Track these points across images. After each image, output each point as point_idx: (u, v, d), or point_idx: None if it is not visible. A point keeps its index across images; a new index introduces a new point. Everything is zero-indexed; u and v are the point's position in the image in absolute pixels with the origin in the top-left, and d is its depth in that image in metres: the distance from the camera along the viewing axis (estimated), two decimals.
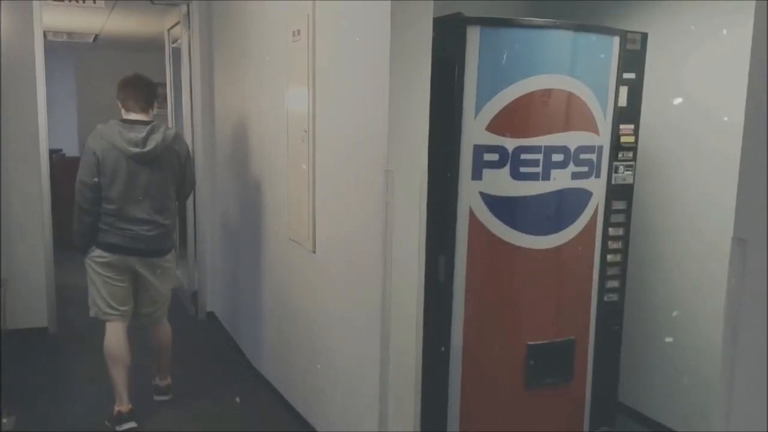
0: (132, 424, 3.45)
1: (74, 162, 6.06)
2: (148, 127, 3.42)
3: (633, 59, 3.01)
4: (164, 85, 6.03)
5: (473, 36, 2.69)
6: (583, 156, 2.89)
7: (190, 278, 5.52)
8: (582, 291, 3.08)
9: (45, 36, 5.36)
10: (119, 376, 3.46)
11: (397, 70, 2.49)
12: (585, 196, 2.95)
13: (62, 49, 8.60)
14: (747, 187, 1.19)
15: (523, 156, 2.78)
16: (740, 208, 1.21)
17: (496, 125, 2.75)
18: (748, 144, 1.19)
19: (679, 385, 3.36)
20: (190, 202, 5.02)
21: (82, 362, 4.33)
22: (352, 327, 2.94)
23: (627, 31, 3.00)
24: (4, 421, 3.40)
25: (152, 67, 5.79)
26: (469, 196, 2.80)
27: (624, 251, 3.17)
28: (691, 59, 3.26)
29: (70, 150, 8.90)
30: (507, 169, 2.78)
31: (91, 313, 3.55)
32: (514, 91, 2.74)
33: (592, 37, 2.88)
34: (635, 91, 3.05)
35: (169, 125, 5.96)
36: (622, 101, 3.02)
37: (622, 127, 3.04)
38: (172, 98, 6.12)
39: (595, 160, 2.95)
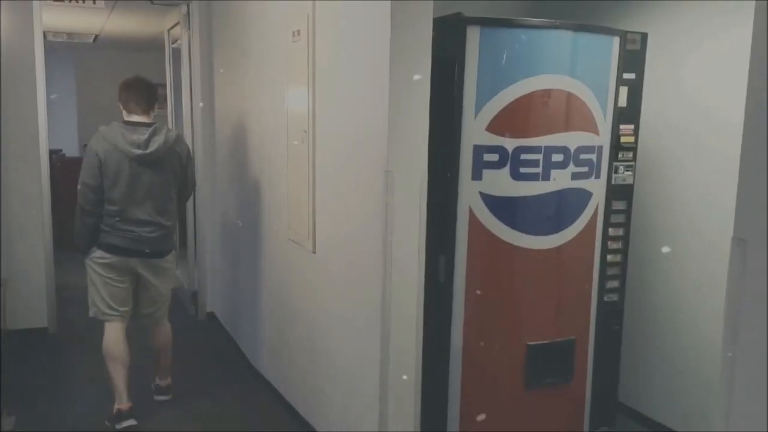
0: (132, 422, 3.45)
1: (74, 162, 6.08)
2: (150, 129, 3.44)
3: (633, 59, 3.01)
4: (164, 85, 6.02)
5: (473, 36, 2.69)
6: (583, 156, 2.89)
7: (190, 278, 5.52)
8: (582, 291, 3.08)
9: (45, 36, 5.36)
10: (118, 376, 3.46)
11: (397, 70, 2.49)
12: (585, 196, 2.95)
13: (62, 49, 8.61)
14: (747, 187, 1.19)
15: (523, 156, 2.78)
16: (740, 208, 1.21)
17: (496, 125, 2.75)
18: (748, 144, 1.19)
19: (679, 385, 3.36)
20: (190, 202, 5.02)
21: (82, 362, 4.32)
22: (352, 327, 2.94)
23: (627, 31, 3.00)
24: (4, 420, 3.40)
25: (152, 68, 5.81)
26: (469, 196, 2.80)
27: (624, 251, 3.17)
28: (691, 59, 3.26)
29: (70, 150, 8.90)
30: (507, 169, 2.78)
31: (91, 314, 3.56)
32: (514, 91, 2.74)
33: (592, 37, 2.88)
34: (635, 91, 3.05)
35: (170, 125, 5.98)
36: (622, 101, 3.02)
37: (622, 127, 3.04)
38: (172, 98, 6.11)
39: (595, 160, 2.95)
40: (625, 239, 3.16)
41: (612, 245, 3.12)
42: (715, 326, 2.34)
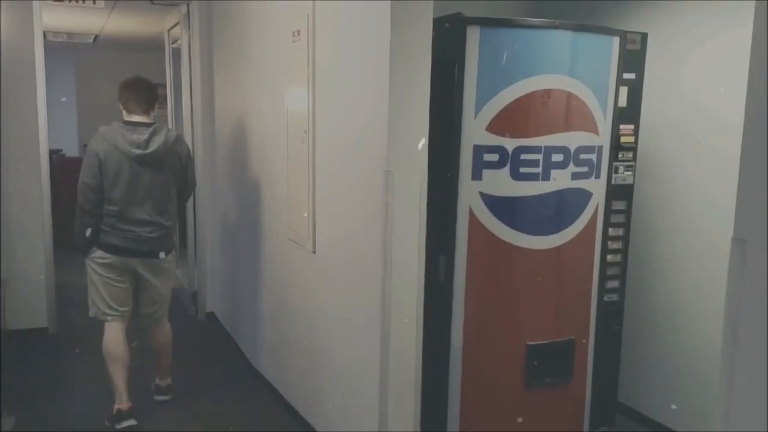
0: (131, 422, 3.45)
1: (74, 162, 6.08)
2: (150, 129, 3.44)
3: (633, 59, 3.01)
4: (164, 85, 6.02)
5: (473, 36, 2.69)
6: (583, 156, 2.89)
7: (190, 278, 5.52)
8: (582, 291, 3.08)
9: (45, 36, 5.36)
10: (118, 376, 3.46)
11: (397, 70, 2.49)
12: (585, 196, 2.95)
13: (62, 49, 8.61)
14: (747, 187, 1.19)
15: (523, 156, 2.78)
16: (740, 208, 1.21)
17: (496, 125, 2.75)
18: (747, 144, 1.19)
19: (679, 385, 3.36)
20: (190, 202, 5.02)
21: (82, 362, 4.33)
22: (352, 327, 2.94)
23: (627, 31, 3.00)
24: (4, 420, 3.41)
25: (152, 68, 5.81)
26: (469, 196, 2.80)
27: (624, 251, 3.17)
28: (691, 59, 3.26)
29: (70, 150, 8.90)
30: (507, 169, 2.78)
31: (91, 314, 3.56)
32: (514, 91, 2.74)
33: (592, 37, 2.88)
34: (635, 91, 3.05)
35: (170, 125, 5.98)
36: (622, 101, 3.02)
37: (622, 127, 3.04)
38: (172, 98, 6.11)
39: (595, 160, 2.95)
40: (625, 239, 3.16)
41: (612, 245, 3.12)
42: (715, 326, 2.34)
